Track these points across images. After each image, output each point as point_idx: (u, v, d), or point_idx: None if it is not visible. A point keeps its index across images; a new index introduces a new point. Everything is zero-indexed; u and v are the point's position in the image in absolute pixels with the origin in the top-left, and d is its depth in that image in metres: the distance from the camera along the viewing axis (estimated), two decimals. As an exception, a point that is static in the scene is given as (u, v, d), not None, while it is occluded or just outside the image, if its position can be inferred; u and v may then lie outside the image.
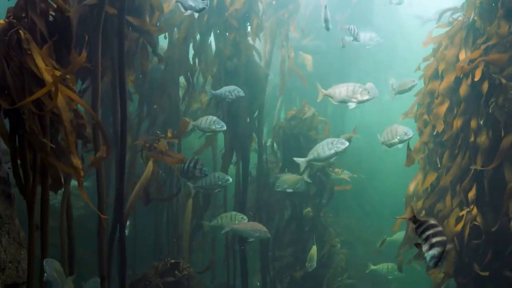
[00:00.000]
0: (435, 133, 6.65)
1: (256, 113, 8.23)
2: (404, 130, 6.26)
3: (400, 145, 6.46)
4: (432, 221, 3.50)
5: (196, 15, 6.74)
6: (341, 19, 11.13)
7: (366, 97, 6.07)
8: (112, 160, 6.39)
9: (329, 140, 6.66)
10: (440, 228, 3.46)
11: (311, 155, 6.80)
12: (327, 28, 6.47)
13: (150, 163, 6.17)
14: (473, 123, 6.19)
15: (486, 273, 6.06)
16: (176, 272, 6.80)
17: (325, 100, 11.73)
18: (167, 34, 7.58)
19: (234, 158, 8.16)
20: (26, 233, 4.58)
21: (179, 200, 7.90)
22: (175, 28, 7.72)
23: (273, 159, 8.91)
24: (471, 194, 6.18)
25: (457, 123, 6.32)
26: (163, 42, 7.59)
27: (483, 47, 6.11)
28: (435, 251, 3.38)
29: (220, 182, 7.01)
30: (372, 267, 9.66)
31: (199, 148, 8.24)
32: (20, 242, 4.63)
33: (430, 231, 3.46)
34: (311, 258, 7.53)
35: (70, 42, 4.82)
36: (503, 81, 5.90)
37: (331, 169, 8.54)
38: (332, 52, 11.02)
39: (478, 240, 6.14)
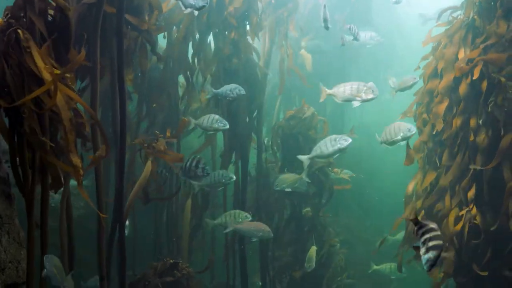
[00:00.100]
0: (434, 132, 6.64)
1: (256, 113, 8.22)
2: (407, 126, 6.20)
3: (402, 143, 6.40)
4: (432, 225, 3.54)
5: (196, 13, 6.74)
6: (340, 18, 11.13)
7: (370, 96, 6.02)
8: (111, 160, 6.39)
9: (332, 137, 6.63)
10: (438, 232, 3.49)
11: (315, 152, 6.78)
12: (326, 27, 6.46)
13: (149, 163, 6.16)
14: (472, 122, 6.19)
15: (485, 273, 6.06)
16: (175, 272, 6.79)
17: (324, 100, 11.72)
18: (166, 33, 7.57)
19: (233, 157, 8.15)
20: (26, 232, 4.58)
21: (178, 199, 7.89)
22: (174, 27, 7.72)
23: (272, 159, 8.90)
24: (471, 194, 6.18)
25: (457, 122, 6.31)
26: (162, 41, 7.58)
27: (482, 46, 6.12)
28: (430, 254, 3.43)
29: (224, 180, 7.02)
30: (375, 267, 9.65)
31: (198, 147, 8.23)
32: (20, 242, 4.64)
33: (428, 235, 3.50)
34: (309, 258, 7.54)
35: (69, 41, 4.81)
36: (503, 80, 5.90)
37: (330, 169, 8.54)
38: (332, 52, 11.02)
39: (477, 239, 6.14)
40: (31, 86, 4.33)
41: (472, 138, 6.17)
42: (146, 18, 5.95)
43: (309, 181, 7.91)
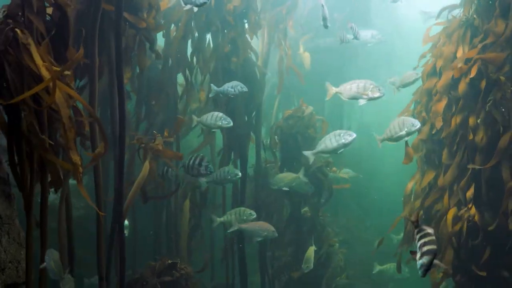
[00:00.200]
0: (434, 131, 6.64)
1: (254, 112, 8.21)
2: (411, 121, 6.10)
3: (406, 138, 6.33)
4: (429, 230, 3.62)
5: (196, 9, 6.71)
6: (339, 18, 11.13)
7: (377, 94, 5.99)
8: (110, 159, 6.37)
9: (337, 132, 6.58)
10: (433, 237, 3.56)
11: (319, 147, 6.73)
12: (325, 26, 6.45)
13: (147, 162, 6.16)
14: (471, 121, 6.18)
15: (484, 273, 6.05)
16: (173, 272, 6.78)
17: (323, 100, 11.70)
18: (164, 31, 7.56)
19: (232, 157, 8.15)
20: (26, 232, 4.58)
21: (177, 197, 7.87)
22: (173, 26, 7.71)
23: (271, 159, 8.89)
24: (469, 193, 6.17)
25: (456, 120, 6.30)
26: (160, 41, 7.57)
27: (480, 45, 6.11)
28: (424, 260, 3.49)
29: (229, 177, 7.03)
30: (379, 267, 9.60)
31: (197, 147, 8.22)
32: (20, 242, 4.65)
33: (423, 240, 3.57)
34: (307, 259, 7.52)
35: (67, 39, 4.82)
36: (502, 78, 5.89)
37: (328, 168, 8.53)
38: (331, 51, 11.02)
39: (476, 239, 6.13)
40: (30, 84, 4.35)
41: (471, 137, 6.16)
42: (145, 16, 5.94)
43: (306, 180, 7.90)
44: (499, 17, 5.94)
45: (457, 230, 6.19)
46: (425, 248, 3.52)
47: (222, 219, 7.21)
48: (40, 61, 4.35)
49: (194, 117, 7.02)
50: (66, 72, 4.57)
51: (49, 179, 4.68)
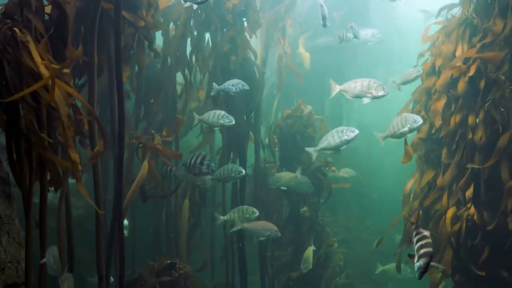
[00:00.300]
0: (433, 131, 6.64)
1: (253, 112, 8.20)
2: (413, 117, 6.07)
3: (409, 134, 6.32)
4: (425, 232, 3.71)
5: (195, 6, 6.70)
6: (338, 16, 11.12)
7: (381, 93, 5.98)
8: (109, 158, 6.37)
9: (339, 128, 6.55)
10: (429, 240, 3.64)
11: (322, 143, 6.70)
12: (324, 25, 6.44)
13: (146, 162, 6.16)
14: (470, 120, 6.17)
15: (483, 273, 6.04)
16: (172, 272, 6.78)
17: (323, 100, 11.71)
18: (162, 30, 7.55)
19: (231, 156, 8.14)
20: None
21: (177, 196, 7.87)
22: (172, 24, 7.69)
23: (270, 159, 8.89)
24: (468, 193, 6.16)
25: (455, 118, 6.30)
26: (159, 40, 7.56)
27: (478, 45, 6.11)
28: (421, 262, 3.58)
29: (233, 175, 7.02)
30: (381, 267, 9.58)
31: (196, 146, 8.21)
32: (20, 242, 4.65)
33: (420, 243, 3.66)
34: (306, 259, 7.51)
35: (66, 37, 4.82)
36: (502, 78, 5.89)
37: (327, 168, 8.53)
38: (330, 50, 11.01)
39: (475, 239, 6.12)
40: (29, 82, 4.35)
41: (470, 136, 6.16)
42: (144, 14, 5.93)
43: (304, 180, 7.89)
44: (497, 16, 5.94)
45: (456, 230, 6.18)
46: (422, 251, 3.60)
47: (225, 217, 7.21)
48: (39, 59, 4.35)
49: (196, 115, 6.99)
50: (65, 70, 4.57)
51: (48, 177, 4.68)
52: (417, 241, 3.68)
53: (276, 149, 8.74)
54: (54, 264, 4.58)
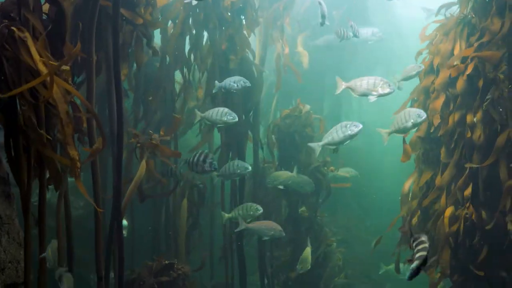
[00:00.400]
0: (431, 129, 6.63)
1: (252, 111, 8.18)
2: (417, 112, 6.03)
3: (413, 129, 6.30)
4: (422, 237, 3.83)
5: (194, 2, 6.69)
6: (337, 15, 11.11)
7: (387, 90, 5.98)
8: (107, 157, 6.36)
9: (343, 123, 6.53)
10: (425, 245, 3.76)
11: (326, 139, 6.67)
12: (322, 24, 6.43)
13: (143, 161, 6.15)
14: (469, 118, 6.16)
15: (482, 273, 6.03)
16: (171, 272, 6.77)
17: (322, 99, 11.70)
18: (161, 28, 7.54)
19: (230, 155, 8.13)
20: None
21: (175, 195, 7.86)
22: (170, 22, 7.66)
23: (269, 159, 8.88)
24: (467, 192, 6.15)
25: (454, 117, 6.29)
26: (158, 38, 7.56)
27: (476, 44, 6.10)
28: (413, 265, 3.71)
29: (239, 171, 7.01)
30: (385, 267, 9.55)
31: (195, 145, 8.21)
32: (19, 242, 4.64)
33: (417, 248, 3.79)
34: (303, 259, 7.48)
35: (64, 35, 4.82)
36: (501, 76, 5.88)
37: (326, 168, 8.52)
38: (329, 49, 10.99)
39: (473, 238, 6.11)
40: (27, 79, 4.34)
41: (469, 134, 6.15)
42: (142, 11, 5.93)
43: (302, 179, 7.89)
44: (495, 15, 5.93)
45: (454, 229, 6.17)
46: (417, 255, 3.73)
47: (230, 215, 7.21)
48: (37, 56, 4.35)
49: (198, 113, 6.95)
50: (64, 67, 4.56)
51: (47, 175, 4.68)
52: (415, 246, 3.81)
53: (273, 149, 8.74)
54: (52, 258, 4.59)
